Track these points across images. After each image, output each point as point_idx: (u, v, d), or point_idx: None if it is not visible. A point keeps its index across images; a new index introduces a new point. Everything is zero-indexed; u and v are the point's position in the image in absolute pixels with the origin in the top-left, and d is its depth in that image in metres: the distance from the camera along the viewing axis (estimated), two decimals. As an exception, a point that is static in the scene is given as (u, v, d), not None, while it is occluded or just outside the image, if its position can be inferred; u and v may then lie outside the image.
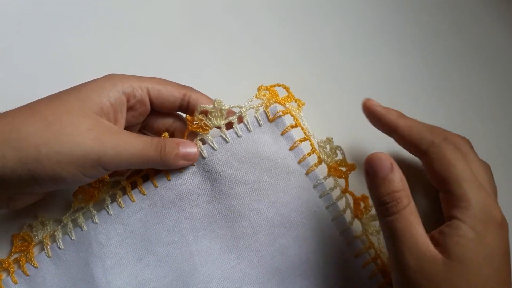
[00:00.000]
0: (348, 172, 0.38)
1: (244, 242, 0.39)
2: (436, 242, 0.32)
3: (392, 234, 0.33)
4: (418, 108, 0.44)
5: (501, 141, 0.44)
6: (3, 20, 0.43)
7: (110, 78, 0.35)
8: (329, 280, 0.39)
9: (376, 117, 0.37)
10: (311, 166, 0.38)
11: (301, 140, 0.38)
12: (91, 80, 0.35)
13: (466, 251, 0.31)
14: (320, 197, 0.39)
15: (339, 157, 0.38)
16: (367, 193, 0.37)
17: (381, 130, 0.38)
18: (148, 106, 0.37)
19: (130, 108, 0.36)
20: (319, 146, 0.38)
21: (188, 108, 0.38)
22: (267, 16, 0.45)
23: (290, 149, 0.38)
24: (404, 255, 0.32)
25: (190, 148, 0.37)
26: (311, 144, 0.38)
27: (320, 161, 0.39)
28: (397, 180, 0.33)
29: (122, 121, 0.36)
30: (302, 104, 0.37)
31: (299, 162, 0.38)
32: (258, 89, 0.38)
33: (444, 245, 0.32)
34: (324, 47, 0.45)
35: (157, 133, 0.39)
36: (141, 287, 0.38)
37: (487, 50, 0.45)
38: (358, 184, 0.39)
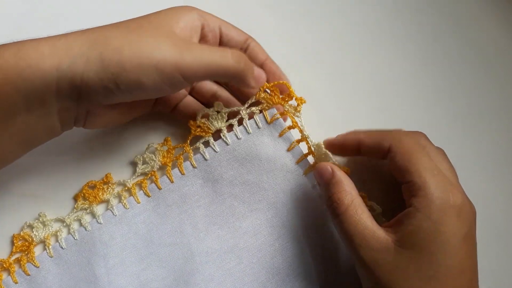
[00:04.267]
0: None
1: (244, 242, 0.40)
2: (393, 231, 0.33)
3: (343, 234, 0.35)
4: (417, 108, 0.44)
5: (501, 141, 0.44)
6: (3, 20, 0.43)
7: (187, 6, 0.37)
8: (329, 280, 0.39)
9: (340, 146, 0.39)
10: (308, 167, 0.40)
11: (298, 141, 0.40)
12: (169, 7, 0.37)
13: (419, 240, 0.32)
14: (320, 197, 0.40)
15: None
16: (364, 193, 0.39)
17: (350, 155, 0.40)
18: (218, 40, 0.39)
19: (202, 37, 0.38)
20: (314, 148, 0.40)
21: (245, 54, 0.39)
22: (266, 16, 0.46)
23: (288, 150, 0.40)
24: (357, 252, 0.33)
25: (261, 72, 0.39)
26: (307, 145, 0.40)
27: (316, 163, 0.40)
28: (337, 182, 0.36)
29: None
30: (303, 102, 0.39)
31: (297, 163, 0.40)
32: (261, 88, 0.39)
33: (400, 234, 0.33)
34: (324, 47, 0.45)
35: (204, 97, 0.41)
36: (143, 287, 0.38)
37: (487, 50, 0.46)
38: (356, 184, 0.40)
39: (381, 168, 0.40)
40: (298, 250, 0.39)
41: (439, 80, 0.45)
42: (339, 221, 0.35)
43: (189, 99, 0.41)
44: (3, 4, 0.43)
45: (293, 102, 0.40)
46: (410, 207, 0.33)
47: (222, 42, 0.40)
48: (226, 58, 0.34)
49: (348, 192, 0.35)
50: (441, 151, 0.37)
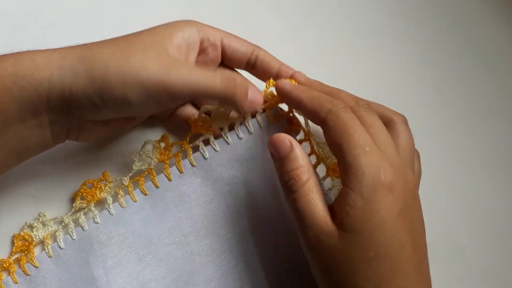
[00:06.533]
0: None
1: (244, 242, 0.39)
2: (334, 214, 0.32)
3: (295, 212, 0.33)
4: (418, 107, 0.44)
5: (501, 141, 0.44)
6: (3, 20, 0.43)
7: (186, 20, 0.37)
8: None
9: (285, 95, 0.37)
10: (311, 167, 0.39)
11: (301, 141, 0.39)
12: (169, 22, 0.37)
13: (357, 221, 0.31)
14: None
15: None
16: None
17: (291, 106, 0.38)
18: (219, 53, 0.38)
19: (202, 51, 0.38)
20: (318, 146, 0.39)
21: (255, 65, 0.39)
22: (266, 16, 0.45)
23: None
24: (305, 232, 0.33)
25: (257, 95, 0.37)
26: (310, 145, 0.39)
27: (319, 162, 0.39)
28: (296, 157, 0.34)
29: (192, 60, 0.37)
30: None
31: None
32: (267, 83, 0.38)
33: (339, 217, 0.32)
34: (324, 47, 0.45)
35: (202, 101, 0.40)
36: (142, 287, 0.38)
37: (487, 50, 0.46)
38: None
39: None
40: (299, 250, 0.39)
41: (439, 79, 0.46)
42: (293, 198, 0.33)
43: (188, 104, 0.40)
44: (3, 4, 0.43)
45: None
46: (344, 185, 0.32)
47: (225, 55, 0.39)
48: (213, 81, 0.34)
49: (307, 169, 0.34)
50: (378, 123, 0.34)
